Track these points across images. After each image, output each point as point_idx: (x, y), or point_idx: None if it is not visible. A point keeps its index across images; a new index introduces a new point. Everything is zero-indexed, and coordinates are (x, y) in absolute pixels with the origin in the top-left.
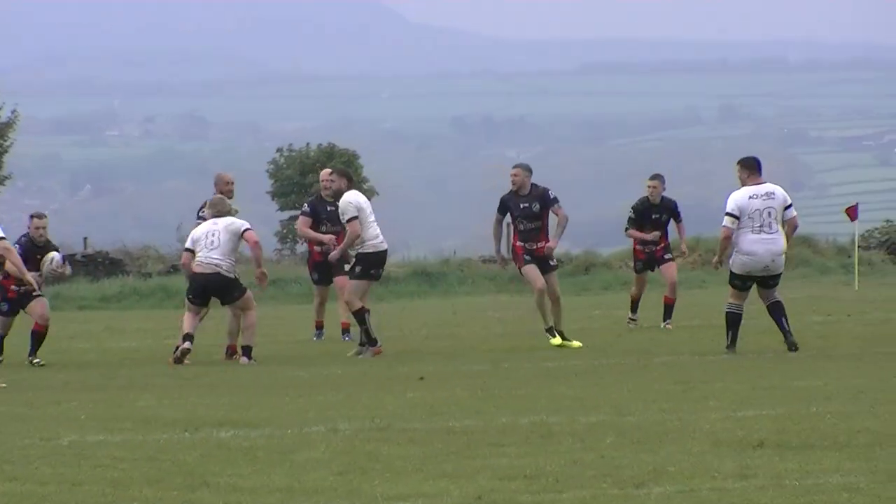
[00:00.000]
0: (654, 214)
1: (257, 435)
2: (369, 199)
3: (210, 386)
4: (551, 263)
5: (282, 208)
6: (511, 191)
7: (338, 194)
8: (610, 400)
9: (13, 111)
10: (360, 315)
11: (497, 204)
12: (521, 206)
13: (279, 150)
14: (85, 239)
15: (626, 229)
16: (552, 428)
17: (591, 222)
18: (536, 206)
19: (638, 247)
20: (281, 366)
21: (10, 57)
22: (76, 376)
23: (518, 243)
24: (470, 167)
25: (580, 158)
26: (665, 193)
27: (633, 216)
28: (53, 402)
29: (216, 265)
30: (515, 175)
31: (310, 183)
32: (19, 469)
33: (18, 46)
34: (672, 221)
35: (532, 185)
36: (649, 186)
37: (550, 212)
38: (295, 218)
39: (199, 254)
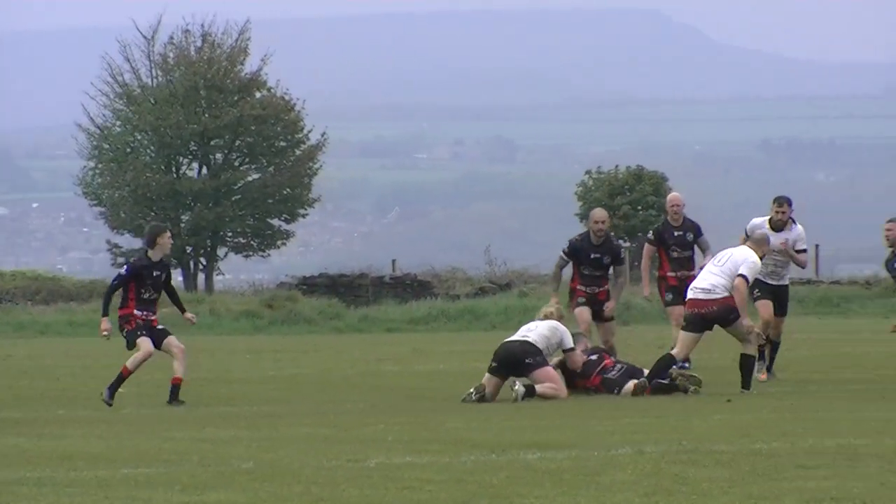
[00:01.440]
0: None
1: (564, 457)
2: None
3: (516, 408)
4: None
5: None
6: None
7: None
8: None
9: (322, 134)
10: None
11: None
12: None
13: (588, 172)
14: (393, 261)
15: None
16: (858, 450)
17: None
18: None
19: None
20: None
21: (319, 81)
22: (384, 399)
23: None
24: (776, 190)
25: (887, 182)
26: None
27: None
28: (361, 424)
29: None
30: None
31: (618, 205)
32: (326, 490)
33: (327, 71)
34: None
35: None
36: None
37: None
38: None
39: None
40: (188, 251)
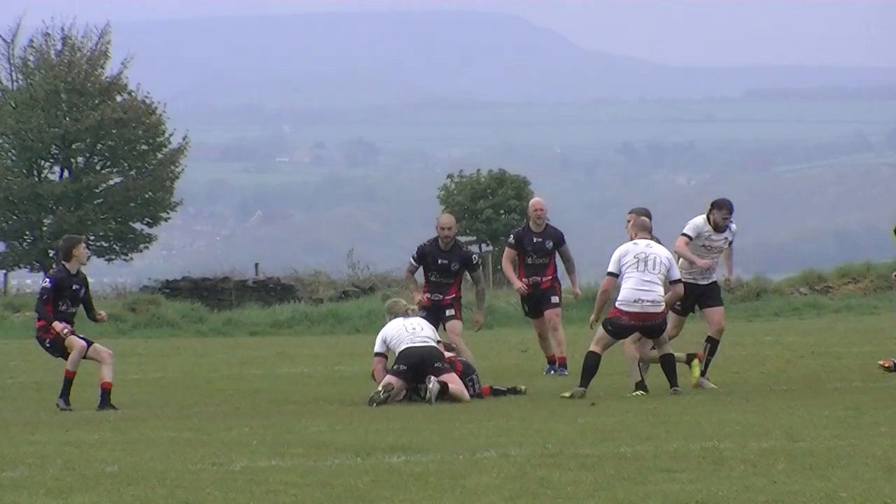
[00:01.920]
0: None
1: (428, 460)
2: None
3: (381, 411)
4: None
5: None
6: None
7: None
8: (781, 426)
9: (184, 137)
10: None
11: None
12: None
13: (450, 175)
14: (256, 265)
15: None
16: (723, 453)
17: (759, 248)
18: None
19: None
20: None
21: (181, 83)
22: (248, 402)
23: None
24: (638, 193)
25: (747, 184)
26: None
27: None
28: (225, 427)
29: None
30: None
31: (481, 209)
32: (191, 494)
33: (188, 73)
34: None
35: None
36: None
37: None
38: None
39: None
40: (51, 255)
